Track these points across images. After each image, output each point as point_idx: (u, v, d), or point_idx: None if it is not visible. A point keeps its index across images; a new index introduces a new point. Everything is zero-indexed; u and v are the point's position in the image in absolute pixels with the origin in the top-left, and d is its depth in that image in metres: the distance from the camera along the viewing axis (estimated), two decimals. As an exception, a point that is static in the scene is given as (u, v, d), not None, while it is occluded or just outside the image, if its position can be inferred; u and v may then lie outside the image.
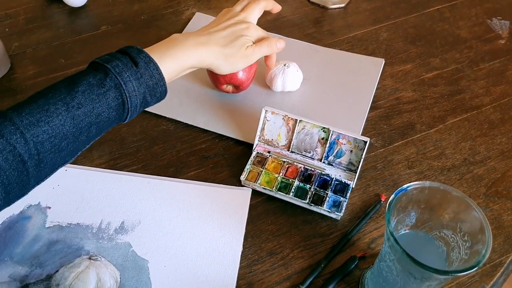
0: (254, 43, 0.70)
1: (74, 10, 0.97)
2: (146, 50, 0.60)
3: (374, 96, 0.84)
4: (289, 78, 0.81)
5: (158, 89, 0.59)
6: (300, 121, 0.73)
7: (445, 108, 0.83)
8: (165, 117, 0.80)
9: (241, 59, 0.67)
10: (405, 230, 0.56)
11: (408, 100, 0.84)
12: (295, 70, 0.82)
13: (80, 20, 0.96)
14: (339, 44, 0.93)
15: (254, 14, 0.73)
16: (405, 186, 0.51)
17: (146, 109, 0.79)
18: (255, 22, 0.73)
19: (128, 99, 0.56)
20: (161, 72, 0.58)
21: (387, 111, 0.82)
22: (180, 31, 0.93)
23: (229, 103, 0.82)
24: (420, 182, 0.52)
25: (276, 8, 0.77)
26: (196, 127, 0.79)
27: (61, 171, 0.72)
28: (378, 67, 0.88)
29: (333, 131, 0.71)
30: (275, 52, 0.73)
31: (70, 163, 0.73)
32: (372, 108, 0.82)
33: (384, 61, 0.89)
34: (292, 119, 0.73)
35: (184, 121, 0.79)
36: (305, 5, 1.01)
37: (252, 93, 0.83)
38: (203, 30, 0.68)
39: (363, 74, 0.87)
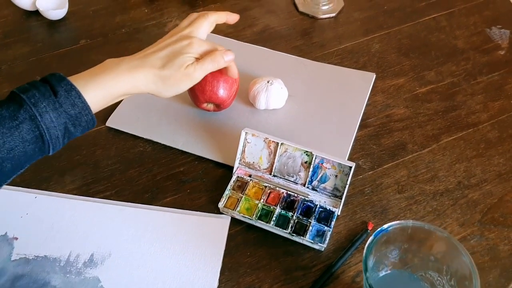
0: (199, 59, 0.63)
1: (53, 23, 0.93)
2: (72, 77, 0.56)
3: (363, 113, 0.79)
4: (273, 96, 0.77)
5: (83, 119, 0.55)
6: (282, 144, 0.68)
7: (439, 126, 0.78)
8: (142, 138, 0.76)
9: (183, 80, 0.61)
10: (388, 270, 0.52)
11: (400, 118, 0.79)
12: (279, 87, 0.77)
13: (59, 34, 0.92)
14: (329, 57, 0.88)
15: (202, 28, 0.66)
16: (385, 226, 0.47)
17: (123, 130, 0.76)
18: (203, 37, 0.66)
19: (46, 131, 0.52)
20: (84, 101, 0.54)
21: (377, 130, 0.78)
22: (162, 44, 0.89)
23: (210, 122, 0.78)
24: (402, 221, 0.47)
25: (232, 18, 0.71)
26: (174, 148, 0.75)
27: (31, 198, 0.69)
28: (369, 82, 0.84)
29: (316, 155, 0.67)
30: (224, 66, 0.66)
31: (41, 189, 0.70)
32: (361, 126, 0.78)
33: (375, 76, 0.84)
34: (273, 141, 0.69)
35: (162, 142, 0.75)
36: (293, 15, 0.96)
37: (234, 111, 0.79)
38: (141, 52, 0.63)
39: (352, 89, 0.82)
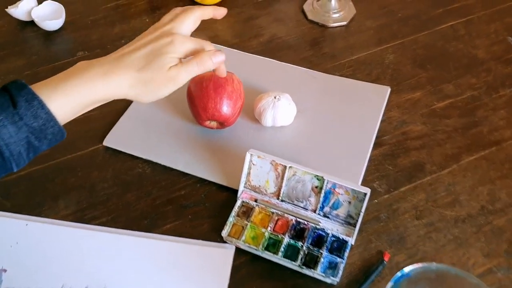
0: (183, 59, 0.56)
1: (49, 34, 0.89)
2: (36, 84, 0.50)
3: (378, 130, 0.74)
4: (280, 112, 0.72)
5: (48, 131, 0.50)
6: (290, 167, 0.63)
7: (459, 145, 0.73)
8: (141, 158, 0.71)
9: (165, 84, 0.54)
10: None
11: (417, 135, 0.74)
12: (287, 103, 0.72)
13: (55, 46, 0.88)
14: (340, 69, 0.83)
15: (185, 24, 0.58)
16: (406, 270, 0.42)
17: (121, 150, 0.71)
18: (187, 34, 0.58)
19: (5, 148, 0.47)
20: (49, 111, 0.49)
21: (392, 149, 0.72)
22: (164, 56, 0.85)
23: (213, 141, 0.73)
24: (424, 264, 0.42)
25: (219, 13, 0.63)
26: (175, 169, 0.70)
27: (22, 226, 0.64)
28: (383, 96, 0.78)
29: (327, 180, 0.62)
30: (212, 69, 0.59)
31: (33, 215, 0.66)
32: (376, 145, 0.73)
33: (389, 89, 0.79)
34: (281, 164, 0.64)
35: (162, 163, 0.71)
36: (302, 23, 0.91)
37: (239, 129, 0.74)
38: (117, 51, 0.56)
39: (365, 104, 0.77)
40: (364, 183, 0.68)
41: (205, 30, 0.89)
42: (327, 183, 0.62)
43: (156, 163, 0.71)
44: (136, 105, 0.77)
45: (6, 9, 0.87)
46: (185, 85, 0.72)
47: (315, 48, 0.86)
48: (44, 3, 0.89)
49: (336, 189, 0.62)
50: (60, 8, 0.88)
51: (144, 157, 0.71)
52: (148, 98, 0.55)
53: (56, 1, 0.89)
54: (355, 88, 0.79)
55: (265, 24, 0.91)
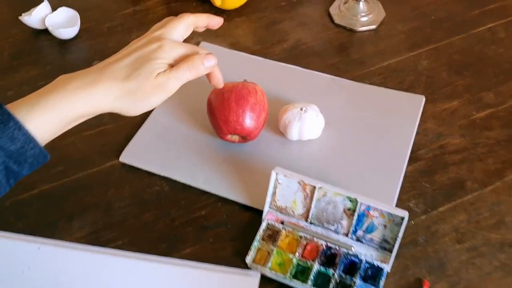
0: (173, 65, 0.52)
1: (64, 43, 0.85)
2: (12, 104, 0.46)
3: (413, 144, 0.69)
4: (307, 125, 0.67)
5: (28, 154, 0.46)
6: (320, 187, 0.58)
7: (502, 159, 0.67)
8: (159, 175, 0.67)
9: (153, 92, 0.50)
10: None
11: (456, 149, 0.68)
12: (314, 115, 0.67)
13: (70, 55, 0.84)
14: (370, 77, 0.78)
15: (177, 30, 0.54)
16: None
17: (138, 166, 0.67)
18: (179, 40, 0.54)
19: None
20: (27, 132, 0.45)
21: (429, 164, 0.67)
22: (183, 64, 0.80)
23: (235, 156, 0.68)
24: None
25: (215, 22, 0.59)
26: (195, 187, 0.66)
27: (33, 249, 0.61)
28: (418, 106, 0.73)
29: (361, 202, 0.57)
30: (205, 73, 0.54)
31: (46, 237, 0.62)
32: (411, 160, 0.67)
33: (424, 98, 0.73)
34: (309, 184, 0.59)
35: (181, 181, 0.66)
36: (328, 28, 0.86)
37: (262, 143, 0.69)
38: (102, 62, 0.52)
39: (398, 115, 0.72)
40: (399, 202, 0.63)
41: (224, 36, 0.85)
42: (361, 205, 0.57)
43: (175, 181, 0.66)
44: (154, 116, 0.73)
45: (19, 17, 0.84)
46: (205, 96, 0.69)
47: (342, 54, 0.81)
48: (58, 9, 0.85)
49: (371, 212, 0.57)
50: (75, 15, 0.85)
51: (162, 174, 0.67)
52: (136, 110, 0.51)
53: (71, 8, 0.86)
54: (386, 98, 0.74)
55: (288, 29, 0.86)
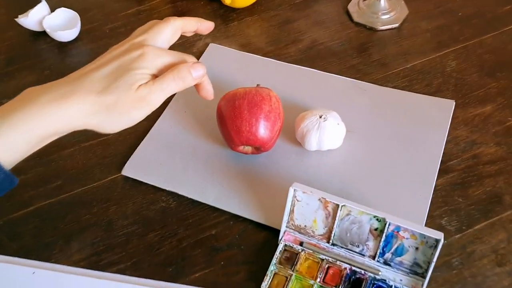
0: (156, 76, 0.46)
1: (63, 46, 0.80)
2: None
3: (443, 154, 0.62)
4: (327, 134, 0.61)
5: None
6: (343, 206, 0.52)
7: (544, 170, 0.60)
8: (165, 190, 0.61)
9: (135, 107, 0.44)
10: None
11: (491, 159, 0.62)
12: (335, 123, 0.61)
13: (70, 58, 0.79)
14: (393, 79, 0.71)
15: (162, 35, 0.48)
16: None
17: (141, 180, 0.62)
18: (164, 47, 0.49)
19: None
20: None
21: (462, 176, 0.60)
22: (190, 67, 0.75)
23: (248, 169, 0.62)
24: None
25: (205, 27, 0.54)
26: (204, 204, 0.60)
27: (28, 274, 0.55)
28: (447, 112, 0.66)
29: (390, 222, 0.51)
30: (192, 84, 0.47)
31: (41, 261, 0.56)
32: (442, 171, 0.61)
33: (454, 103, 0.67)
34: (331, 202, 0.53)
35: (189, 196, 0.61)
36: (347, 26, 0.79)
37: (278, 154, 0.63)
38: (77, 71, 0.46)
39: (427, 122, 0.65)
40: (430, 219, 0.57)
41: (235, 37, 0.79)
42: (389, 225, 0.51)
43: (182, 196, 0.61)
44: (159, 125, 0.67)
45: (16, 19, 0.79)
46: (215, 102, 0.63)
47: (363, 55, 0.75)
48: (57, 10, 0.80)
49: (400, 232, 0.51)
50: (75, 17, 0.79)
51: (168, 188, 0.61)
52: (115, 126, 0.45)
53: (71, 9, 0.80)
54: (412, 103, 0.68)
55: (304, 28, 0.80)
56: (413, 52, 0.75)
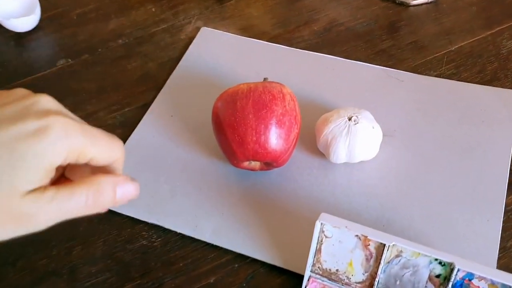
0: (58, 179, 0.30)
1: (21, 37, 0.65)
2: None
3: (511, 162, 0.47)
4: (359, 142, 0.46)
5: None
6: (393, 245, 0.37)
7: None
8: (146, 223, 0.47)
9: (11, 221, 0.25)
10: None
11: None
12: (369, 127, 0.46)
13: (28, 53, 0.63)
14: (436, 66, 0.56)
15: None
16: None
17: (116, 210, 0.47)
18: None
19: None
20: None
21: (541, 192, 0.46)
22: (177, 58, 0.59)
23: (256, 191, 0.47)
24: None
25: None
26: (199, 240, 0.45)
27: None
28: (509, 105, 0.51)
29: (459, 267, 0.36)
30: (111, 206, 0.29)
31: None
32: (511, 184, 0.46)
33: (519, 94, 0.52)
34: (374, 240, 0.38)
35: (179, 231, 0.46)
36: (372, 2, 0.64)
37: (295, 169, 0.48)
38: None
39: (484, 119, 0.50)
40: (504, 253, 0.42)
41: (233, 19, 0.64)
42: (458, 271, 0.36)
43: (169, 231, 0.46)
44: (138, 135, 0.52)
45: (-40, 6, 0.63)
46: (211, 105, 0.49)
47: (395, 37, 0.60)
48: (11, -6, 0.65)
49: (474, 281, 0.36)
50: (33, 1, 0.64)
51: (150, 221, 0.46)
52: None
53: (28, -9, 0.65)
54: (464, 95, 0.52)
55: (319, 6, 0.64)
56: (457, 31, 0.59)
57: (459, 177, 0.47)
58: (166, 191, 0.48)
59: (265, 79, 0.47)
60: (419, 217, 0.44)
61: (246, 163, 0.46)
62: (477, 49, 0.57)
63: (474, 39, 0.58)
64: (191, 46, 0.60)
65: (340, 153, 0.46)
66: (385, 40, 0.59)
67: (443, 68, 0.56)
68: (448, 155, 0.48)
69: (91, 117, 0.55)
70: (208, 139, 0.50)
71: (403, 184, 0.47)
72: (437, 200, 0.45)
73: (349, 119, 0.46)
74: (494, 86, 0.53)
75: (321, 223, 0.38)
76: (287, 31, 0.61)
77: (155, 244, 0.45)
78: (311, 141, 0.49)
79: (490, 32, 0.59)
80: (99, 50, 0.62)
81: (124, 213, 0.47)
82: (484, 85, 0.53)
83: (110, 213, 0.47)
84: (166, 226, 0.46)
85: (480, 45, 0.58)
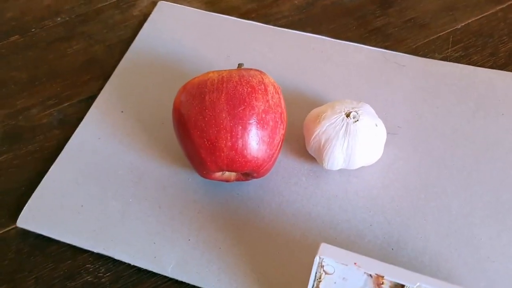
0: None
1: None
2: None
3: (540, 164, 0.39)
4: (360, 143, 0.36)
5: None
6: (417, 286, 0.28)
7: None
8: (91, 253, 0.36)
9: None
10: None
11: None
12: (371, 124, 0.37)
13: None
14: (440, 47, 0.47)
15: None
16: None
17: (52, 237, 0.37)
18: None
19: None
20: None
21: None
22: (129, 41, 0.48)
23: (231, 208, 0.37)
24: None
25: None
26: (158, 274, 0.35)
27: None
28: (534, 95, 0.43)
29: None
30: None
31: None
32: (542, 193, 0.38)
33: (542, 81, 0.44)
34: (389, 280, 0.29)
35: (134, 263, 0.36)
36: (361, -28, 0.54)
37: (279, 177, 0.39)
38: None
39: (502, 111, 0.42)
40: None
41: (198, -7, 0.53)
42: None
43: (120, 263, 0.36)
44: (78, 138, 0.42)
45: None
46: (172, 97, 0.38)
47: (390, 13, 0.50)
48: None
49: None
50: None
51: (97, 250, 0.36)
52: None
53: None
54: (477, 82, 0.44)
55: (298, -23, 0.54)
56: (462, 6, 0.51)
57: (478, 183, 0.38)
58: (115, 210, 0.37)
59: (239, 65, 0.37)
60: (435, 236, 0.36)
61: (218, 174, 0.36)
62: (486, 27, 0.49)
63: (483, 15, 0.50)
64: (145, 25, 0.49)
65: (337, 158, 0.37)
66: (379, 17, 0.50)
67: (449, 50, 0.47)
68: (463, 156, 0.40)
69: (21, 115, 0.44)
70: (169, 142, 0.40)
71: (412, 194, 0.38)
72: (454, 213, 0.37)
73: (347, 115, 0.37)
74: (507, 70, 0.45)
75: (320, 258, 0.29)
76: (263, 6, 0.51)
77: (103, 280, 0.35)
78: (298, 143, 0.39)
79: (500, 7, 0.50)
80: (32, 30, 0.51)
81: (62, 239, 0.36)
82: (498, 69, 0.45)
83: (44, 240, 0.37)
84: (116, 257, 0.35)
85: (489, 22, 0.49)
